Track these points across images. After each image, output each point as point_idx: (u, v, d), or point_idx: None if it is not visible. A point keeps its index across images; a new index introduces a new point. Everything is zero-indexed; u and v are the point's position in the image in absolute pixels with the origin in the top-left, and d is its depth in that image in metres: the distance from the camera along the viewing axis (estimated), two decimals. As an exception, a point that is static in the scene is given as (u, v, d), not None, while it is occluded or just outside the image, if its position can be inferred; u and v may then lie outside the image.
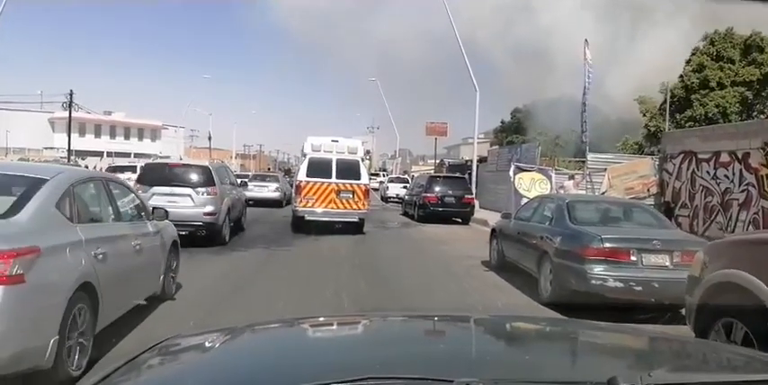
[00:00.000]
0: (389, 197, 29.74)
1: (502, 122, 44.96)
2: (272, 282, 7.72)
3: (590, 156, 16.31)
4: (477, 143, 26.34)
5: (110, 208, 4.93)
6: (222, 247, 10.23)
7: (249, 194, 21.64)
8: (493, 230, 9.60)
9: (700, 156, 13.71)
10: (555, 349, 1.80)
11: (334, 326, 2.14)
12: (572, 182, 14.93)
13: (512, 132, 41.95)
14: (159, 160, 19.51)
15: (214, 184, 10.58)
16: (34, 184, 3.93)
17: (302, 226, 13.30)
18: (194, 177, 10.54)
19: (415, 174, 39.33)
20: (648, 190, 15.39)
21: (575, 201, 7.61)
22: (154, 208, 6.02)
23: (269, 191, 21.86)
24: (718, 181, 13.00)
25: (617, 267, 6.04)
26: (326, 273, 8.23)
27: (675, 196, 14.52)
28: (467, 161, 36.24)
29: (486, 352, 1.71)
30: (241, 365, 1.44)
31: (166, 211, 6.12)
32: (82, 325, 3.86)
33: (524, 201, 11.88)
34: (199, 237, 9.67)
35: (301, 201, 13.34)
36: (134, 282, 5.06)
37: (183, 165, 12.08)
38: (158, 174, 10.57)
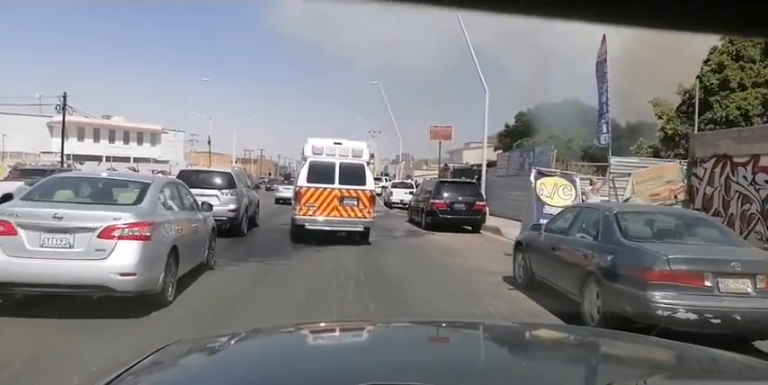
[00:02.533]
0: (393, 203, 28.62)
1: (506, 126, 43.86)
2: (263, 305, 6.58)
3: (613, 160, 15.19)
4: (481, 148, 25.23)
5: (179, 201, 7.31)
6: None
7: (278, 195, 26.96)
8: (518, 243, 8.46)
9: (735, 159, 12.59)
10: (553, 356, 1.80)
11: (339, 333, 2.12)
12: (592, 187, 13.84)
13: (516, 136, 40.85)
14: (191, 167, 23.64)
15: (235, 187, 12.87)
16: (145, 185, 6.47)
17: (302, 235, 12.20)
18: (219, 181, 12.87)
19: (419, 179, 38.26)
20: (676, 197, 14.27)
21: (624, 211, 6.46)
22: (202, 202, 8.26)
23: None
24: (757, 187, 11.88)
25: (688, 294, 4.89)
26: (329, 294, 7.11)
27: (707, 203, 13.40)
28: (473, 165, 35.09)
29: (487, 359, 1.72)
30: (242, 371, 1.43)
31: (210, 205, 8.65)
32: (172, 270, 6.23)
33: (547, 208, 10.75)
34: (224, 229, 11.06)
35: (301, 209, 12.20)
36: (193, 252, 7.31)
37: (211, 171, 14.64)
38: (190, 178, 11.77)
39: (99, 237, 5.40)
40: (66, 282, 5.32)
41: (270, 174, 74.10)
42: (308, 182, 12.29)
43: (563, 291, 6.67)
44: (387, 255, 11.52)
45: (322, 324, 2.41)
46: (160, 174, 30.93)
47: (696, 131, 15.63)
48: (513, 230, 14.50)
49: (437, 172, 40.74)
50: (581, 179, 12.12)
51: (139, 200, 6.12)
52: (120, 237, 5.44)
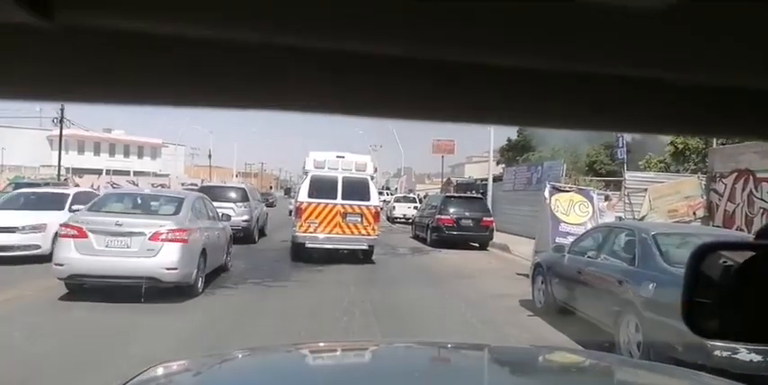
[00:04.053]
0: (396, 217, 27.94)
1: (508, 141, 43.33)
2: (256, 339, 5.90)
3: (628, 174, 14.62)
4: (483, 162, 24.68)
5: (206, 212, 8.78)
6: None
7: (291, 207, 27.10)
8: (538, 265, 7.79)
9: (759, 174, 11.98)
10: (561, 382, 1.71)
11: (337, 354, 1.99)
12: (606, 203, 13.21)
13: (519, 150, 40.25)
14: (209, 184, 25.17)
15: (248, 200, 14.87)
16: (180, 200, 8.14)
17: (302, 254, 11.53)
18: (234, 195, 14.79)
19: (421, 193, 37.57)
20: (695, 213, 13.64)
21: (663, 232, 5.78)
22: (222, 213, 9.77)
23: None
24: (783, 203, 11.30)
25: (750, 332, 4.23)
26: (332, 325, 6.43)
27: (728, 220, 12.78)
28: (476, 180, 34.50)
29: (493, 384, 1.64)
30: None
31: (229, 216, 10.56)
32: (202, 268, 7.66)
33: (563, 226, 10.09)
34: (238, 237, 12.02)
35: (302, 226, 11.55)
36: (215, 255, 8.54)
37: (227, 186, 16.79)
38: (208, 193, 12.17)
39: (149, 239, 6.91)
40: (125, 275, 6.80)
41: (271, 188, 73.55)
42: (309, 197, 11.67)
43: (591, 320, 6.01)
44: (392, 275, 10.86)
45: (320, 344, 2.29)
46: (160, 188, 30.85)
47: (715, 146, 14.99)
48: (522, 248, 13.84)
49: (440, 186, 40.13)
50: (598, 195, 11.47)
51: (177, 211, 7.70)
52: (164, 240, 6.95)
